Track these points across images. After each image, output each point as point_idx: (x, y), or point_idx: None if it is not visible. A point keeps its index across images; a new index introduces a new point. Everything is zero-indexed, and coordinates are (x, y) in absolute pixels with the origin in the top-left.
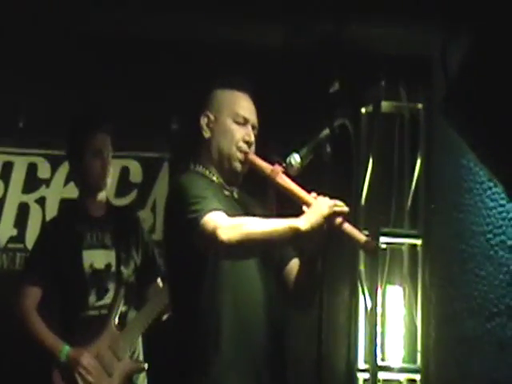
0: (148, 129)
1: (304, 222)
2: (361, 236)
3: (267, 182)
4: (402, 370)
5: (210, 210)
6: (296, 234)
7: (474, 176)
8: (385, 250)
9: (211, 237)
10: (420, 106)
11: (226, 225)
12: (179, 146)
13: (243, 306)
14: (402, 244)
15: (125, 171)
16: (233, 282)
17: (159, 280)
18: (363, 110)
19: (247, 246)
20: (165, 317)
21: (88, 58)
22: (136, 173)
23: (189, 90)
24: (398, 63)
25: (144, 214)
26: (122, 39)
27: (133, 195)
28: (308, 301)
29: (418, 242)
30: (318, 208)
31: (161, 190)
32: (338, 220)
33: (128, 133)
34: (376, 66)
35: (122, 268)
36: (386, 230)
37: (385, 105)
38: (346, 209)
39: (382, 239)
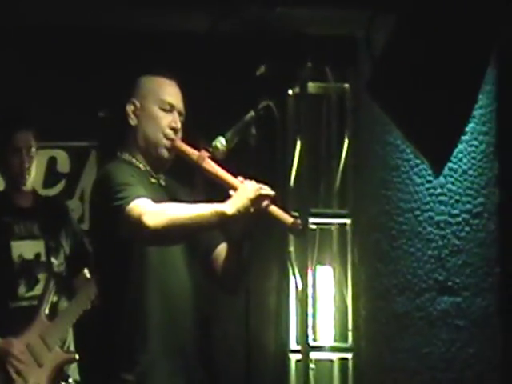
0: (75, 117)
1: (230, 206)
2: (287, 217)
3: (194, 168)
4: (333, 349)
5: (135, 197)
6: (222, 218)
7: (401, 153)
8: (314, 230)
9: (136, 223)
10: (346, 86)
11: (152, 211)
12: (106, 134)
13: (170, 295)
14: (332, 224)
15: (52, 161)
16: (159, 271)
17: (86, 270)
18: (290, 92)
19: (173, 232)
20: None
21: (10, 46)
22: (63, 163)
23: (115, 77)
24: (323, 44)
25: (72, 204)
26: (46, 27)
27: (61, 185)
28: (237, 285)
29: (347, 221)
30: (243, 192)
31: (89, 180)
32: (264, 203)
33: (54, 122)
34: (302, 48)
35: (52, 258)
36: (315, 210)
37: (311, 86)
38: (271, 192)
39: (312, 220)
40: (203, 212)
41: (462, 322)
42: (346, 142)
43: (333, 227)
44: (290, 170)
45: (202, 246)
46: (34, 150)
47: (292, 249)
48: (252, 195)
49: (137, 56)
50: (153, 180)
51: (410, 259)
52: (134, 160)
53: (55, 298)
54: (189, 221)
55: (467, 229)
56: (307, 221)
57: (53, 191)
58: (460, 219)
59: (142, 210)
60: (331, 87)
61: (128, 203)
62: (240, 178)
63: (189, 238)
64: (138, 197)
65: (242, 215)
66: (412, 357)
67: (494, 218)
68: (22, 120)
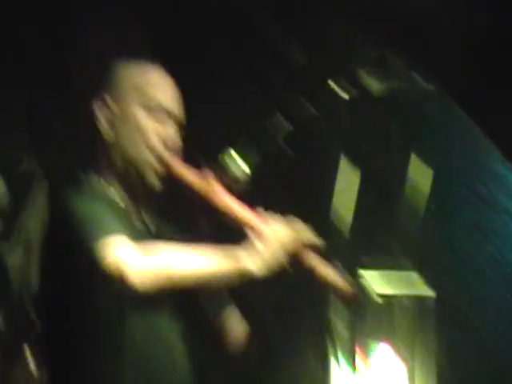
0: (9, 128)
1: (258, 265)
2: (335, 277)
3: (199, 203)
4: None
5: (106, 234)
6: (245, 279)
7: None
8: (360, 295)
9: (116, 280)
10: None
11: (138, 264)
12: (62, 150)
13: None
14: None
15: None
16: (141, 342)
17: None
18: (338, 90)
19: (167, 291)
20: None
21: None
22: None
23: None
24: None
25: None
26: None
27: None
28: (255, 365)
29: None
30: (275, 240)
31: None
32: (305, 254)
33: None
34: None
35: None
36: (368, 261)
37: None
38: (315, 240)
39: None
40: (218, 270)
41: None
42: (413, 162)
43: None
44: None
45: (203, 307)
46: None
47: (334, 317)
48: (289, 245)
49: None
50: (137, 223)
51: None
52: (106, 188)
53: None
54: (196, 282)
55: None
56: (356, 274)
57: None
58: None
59: (121, 261)
60: (401, 88)
61: (99, 247)
62: (259, 210)
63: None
64: (111, 233)
65: (273, 273)
66: None
67: None
68: None
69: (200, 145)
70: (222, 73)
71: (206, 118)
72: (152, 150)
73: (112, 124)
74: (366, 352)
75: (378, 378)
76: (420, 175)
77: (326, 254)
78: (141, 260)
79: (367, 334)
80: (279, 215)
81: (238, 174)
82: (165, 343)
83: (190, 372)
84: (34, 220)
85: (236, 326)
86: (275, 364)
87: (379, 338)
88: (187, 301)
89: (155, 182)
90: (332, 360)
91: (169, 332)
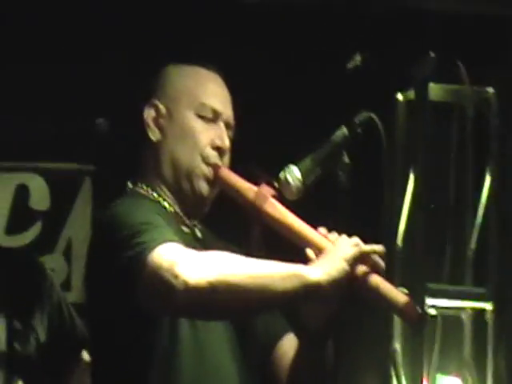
0: (58, 126)
1: (317, 271)
2: (399, 295)
3: (249, 213)
4: None
5: (163, 242)
6: (304, 287)
7: None
8: (434, 318)
9: (166, 279)
10: (490, 91)
11: (191, 260)
12: (109, 153)
13: None
14: (463, 309)
15: (22, 192)
16: (193, 368)
17: (85, 354)
18: (400, 97)
19: (224, 297)
20: None
21: None
22: (40, 195)
23: (124, 64)
24: (456, 27)
25: (52, 261)
26: None
27: (35, 231)
28: None
29: (487, 306)
30: (335, 250)
31: (79, 223)
32: (362, 269)
33: (26, 133)
34: (421, 31)
35: (17, 346)
36: (435, 286)
37: (434, 89)
38: (377, 246)
39: (430, 301)
40: (274, 272)
41: None
42: (488, 179)
43: (464, 315)
44: (398, 220)
45: (257, 335)
46: None
47: (398, 347)
48: (349, 254)
49: (161, 35)
50: (185, 229)
51: None
52: (155, 195)
53: None
54: (250, 282)
55: None
56: (423, 302)
57: (21, 240)
58: None
59: (175, 257)
60: (465, 92)
61: (152, 249)
62: (322, 230)
63: (244, 312)
64: (167, 241)
65: (334, 286)
66: None
67: None
68: None
69: (258, 158)
70: (287, 85)
71: (267, 131)
72: (201, 152)
73: (160, 125)
74: None
75: None
76: (494, 199)
77: (392, 280)
78: (193, 254)
79: (436, 367)
80: (337, 234)
81: (296, 189)
82: (212, 362)
83: None
84: (76, 228)
85: (291, 353)
86: None
87: (449, 371)
88: (242, 328)
89: (203, 186)
90: None
91: (217, 350)
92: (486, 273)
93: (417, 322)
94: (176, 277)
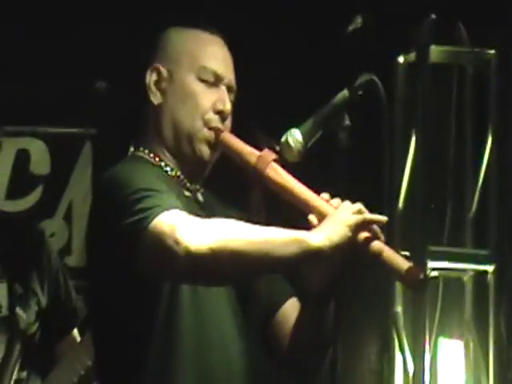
0: (57, 88)
1: (319, 236)
2: (400, 260)
3: (250, 177)
4: None
5: (165, 208)
6: (305, 251)
7: None
8: (435, 279)
9: (168, 244)
10: (491, 53)
11: (193, 225)
12: (109, 116)
13: (211, 372)
14: (464, 271)
15: (22, 157)
16: (195, 333)
17: (75, 331)
18: (401, 60)
19: (226, 262)
20: None
21: None
22: (40, 159)
23: (124, 27)
24: None
25: (53, 225)
26: None
27: (35, 195)
28: (314, 365)
29: (489, 268)
30: (338, 215)
31: (80, 187)
32: (364, 235)
33: (26, 98)
34: None
35: (19, 310)
36: (436, 249)
37: (435, 50)
38: (381, 217)
39: (431, 264)
40: (276, 237)
41: None
42: (490, 140)
43: (465, 277)
44: (400, 184)
45: (260, 299)
46: None
47: (399, 309)
48: (352, 221)
49: None
50: (187, 193)
51: None
52: (156, 159)
53: (23, 375)
54: (251, 247)
55: None
56: (425, 266)
57: (22, 204)
58: None
59: (176, 224)
60: (466, 54)
61: (153, 216)
62: (324, 195)
63: (246, 277)
64: (170, 208)
65: (335, 251)
66: None
67: None
68: None
69: (259, 122)
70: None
71: (267, 95)
72: (202, 115)
73: (161, 88)
74: (435, 348)
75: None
76: (494, 160)
77: (393, 243)
78: (194, 220)
79: (437, 329)
80: (340, 199)
81: (298, 152)
82: (213, 325)
83: (245, 372)
84: (77, 192)
85: (293, 317)
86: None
87: (450, 334)
88: (244, 292)
89: (204, 150)
90: (397, 354)
91: (218, 313)
92: (486, 235)
93: (419, 287)
94: (177, 243)
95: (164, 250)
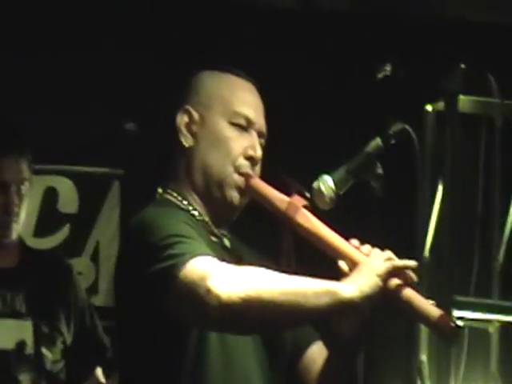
0: (87, 129)
1: (351, 287)
2: (433, 309)
3: (280, 223)
4: None
5: (196, 255)
6: (337, 304)
7: None
8: (461, 329)
9: (198, 293)
10: None
11: (224, 274)
12: (139, 157)
13: None
14: (490, 322)
15: (50, 195)
16: (217, 366)
17: (98, 371)
18: (429, 109)
19: (257, 313)
20: None
21: None
22: (68, 198)
23: (155, 68)
24: (485, 36)
25: (80, 264)
26: None
27: (63, 233)
28: None
29: None
30: (368, 265)
31: (107, 228)
32: (395, 282)
33: (56, 139)
34: (451, 41)
35: (44, 349)
36: (462, 299)
37: (464, 101)
38: (410, 262)
39: (457, 313)
40: (307, 288)
41: None
42: None
43: (491, 328)
44: (426, 232)
45: (286, 346)
46: (27, 184)
47: (425, 358)
48: (382, 270)
49: (196, 41)
50: (214, 238)
51: None
52: (185, 203)
53: None
54: (283, 298)
55: None
56: (449, 314)
57: (49, 242)
58: None
59: (207, 271)
60: (495, 105)
61: (184, 263)
62: (355, 242)
63: (276, 328)
64: (200, 254)
65: (367, 302)
66: None
67: None
68: (13, 139)
69: (289, 167)
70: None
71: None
72: (233, 161)
73: (192, 131)
74: None
75: None
76: None
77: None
78: (226, 268)
79: (462, 380)
80: (370, 247)
81: (330, 199)
82: (240, 371)
83: None
84: (104, 231)
85: (319, 362)
86: None
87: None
88: (271, 340)
89: (234, 195)
90: None
91: (245, 360)
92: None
93: (451, 335)
94: (208, 291)
95: (195, 298)
